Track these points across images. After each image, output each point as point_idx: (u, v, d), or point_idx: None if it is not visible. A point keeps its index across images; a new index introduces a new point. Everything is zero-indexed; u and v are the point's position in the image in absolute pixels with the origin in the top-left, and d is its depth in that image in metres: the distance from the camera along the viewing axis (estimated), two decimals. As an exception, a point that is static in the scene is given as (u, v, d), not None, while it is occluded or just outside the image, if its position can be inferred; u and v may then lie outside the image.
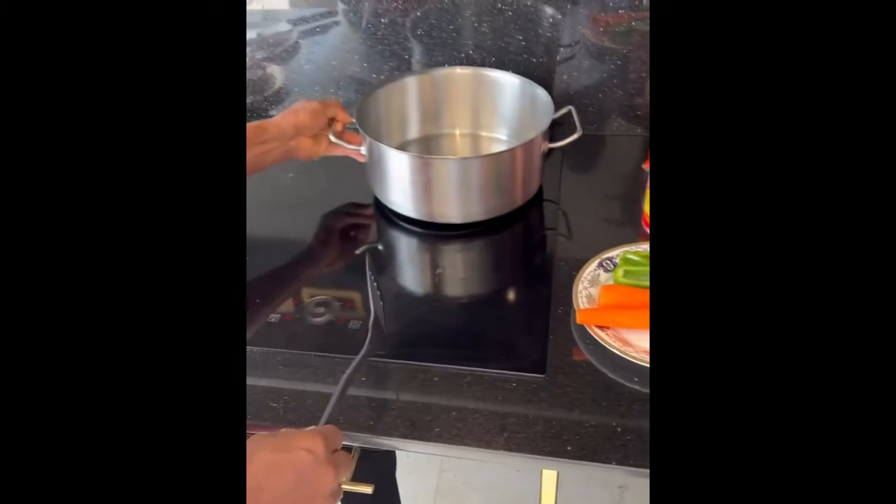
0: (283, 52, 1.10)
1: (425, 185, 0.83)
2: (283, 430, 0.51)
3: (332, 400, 0.57)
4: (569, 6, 0.96)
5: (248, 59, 1.11)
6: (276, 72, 1.11)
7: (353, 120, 0.87)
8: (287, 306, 0.77)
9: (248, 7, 1.07)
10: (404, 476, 0.79)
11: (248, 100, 1.15)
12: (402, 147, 0.99)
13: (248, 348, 0.71)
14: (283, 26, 1.07)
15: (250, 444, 0.49)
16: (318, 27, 1.06)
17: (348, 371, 0.60)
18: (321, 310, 0.75)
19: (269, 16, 1.07)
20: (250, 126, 0.82)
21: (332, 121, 0.89)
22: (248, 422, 0.63)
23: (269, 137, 0.82)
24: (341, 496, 0.51)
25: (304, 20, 1.06)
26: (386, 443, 0.62)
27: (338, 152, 0.90)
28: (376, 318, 0.67)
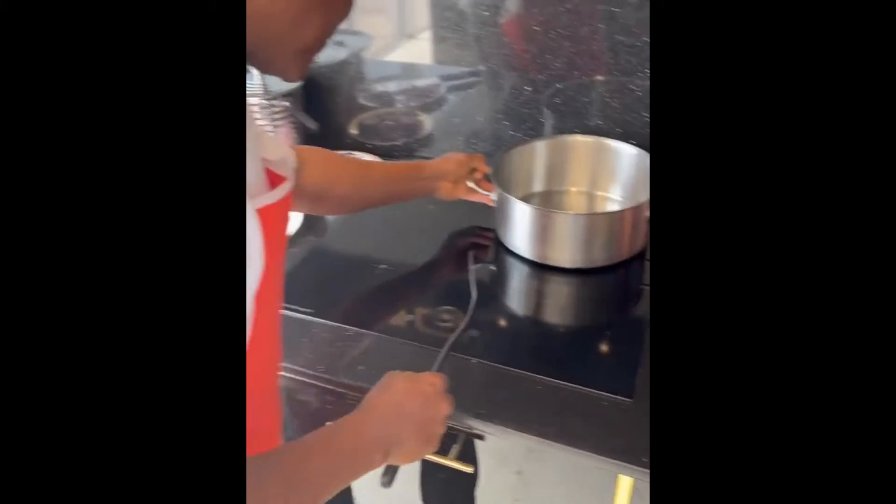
0: (433, 102, 1.25)
1: (542, 233, 0.96)
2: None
3: (439, 358, 0.73)
4: (691, 93, 1.07)
5: (402, 106, 1.28)
6: (426, 119, 1.28)
7: (490, 171, 1.02)
8: (417, 310, 0.92)
9: (388, 57, 1.22)
10: (479, 494, 0.89)
11: (401, 140, 1.31)
12: (527, 199, 1.11)
13: (389, 338, 0.85)
14: (433, 80, 1.23)
15: (390, 376, 0.64)
16: (465, 84, 1.21)
17: (451, 339, 0.77)
18: (447, 316, 0.89)
19: (409, 69, 1.23)
20: (412, 163, 0.99)
21: (473, 170, 1.03)
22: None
23: (423, 175, 0.98)
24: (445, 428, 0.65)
25: (452, 77, 1.22)
26: (489, 429, 0.73)
27: (473, 197, 1.03)
28: (472, 310, 0.86)
